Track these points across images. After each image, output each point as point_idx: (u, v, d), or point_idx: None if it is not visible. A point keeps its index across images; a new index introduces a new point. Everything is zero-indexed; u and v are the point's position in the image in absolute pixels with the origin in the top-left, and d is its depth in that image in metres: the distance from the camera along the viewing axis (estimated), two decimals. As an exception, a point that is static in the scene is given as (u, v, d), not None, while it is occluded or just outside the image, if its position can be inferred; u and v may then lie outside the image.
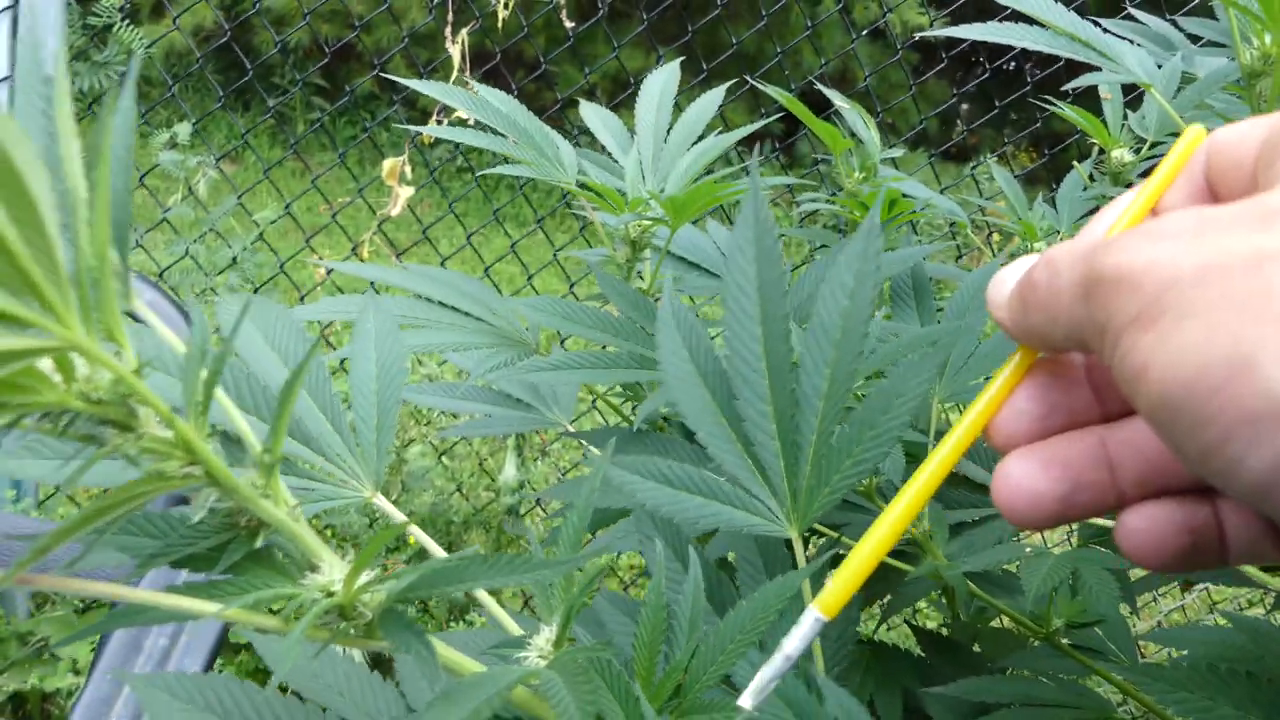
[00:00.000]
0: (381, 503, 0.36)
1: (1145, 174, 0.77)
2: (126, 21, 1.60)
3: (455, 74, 1.59)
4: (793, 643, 0.28)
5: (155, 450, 0.22)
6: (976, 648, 0.71)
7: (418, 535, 0.36)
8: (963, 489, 0.64)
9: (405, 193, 1.66)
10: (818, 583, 0.51)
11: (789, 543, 0.42)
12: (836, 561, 0.57)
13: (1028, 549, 0.53)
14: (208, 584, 0.24)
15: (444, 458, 2.06)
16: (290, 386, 0.24)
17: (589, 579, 0.30)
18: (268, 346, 0.38)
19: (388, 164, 1.66)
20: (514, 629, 0.34)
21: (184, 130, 1.99)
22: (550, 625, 0.30)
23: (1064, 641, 0.58)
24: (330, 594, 0.25)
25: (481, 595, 0.34)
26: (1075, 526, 0.66)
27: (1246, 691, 0.42)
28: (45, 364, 0.20)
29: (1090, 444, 0.28)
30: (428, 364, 1.99)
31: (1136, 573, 0.88)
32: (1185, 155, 0.29)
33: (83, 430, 0.21)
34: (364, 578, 0.26)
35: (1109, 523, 0.61)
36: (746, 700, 0.28)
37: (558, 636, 0.29)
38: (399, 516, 0.36)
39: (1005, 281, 0.29)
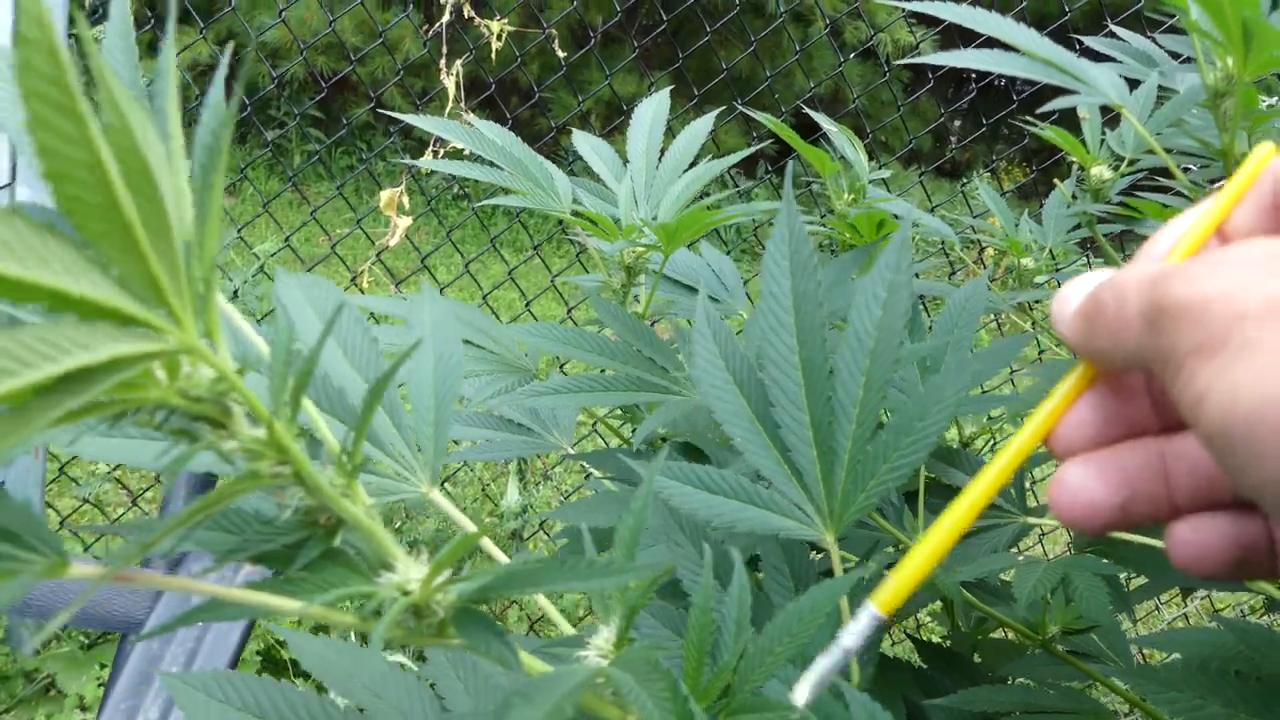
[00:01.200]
0: (438, 499, 0.36)
1: (1126, 191, 0.79)
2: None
3: (451, 104, 1.62)
4: (850, 637, 0.29)
5: (251, 449, 0.22)
6: (977, 658, 0.72)
7: (488, 547, 0.36)
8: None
9: (403, 223, 1.68)
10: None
11: (817, 547, 0.43)
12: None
13: (1021, 557, 0.54)
14: (287, 580, 0.25)
15: (446, 484, 2.07)
16: (376, 393, 0.24)
17: (651, 581, 0.30)
18: (334, 344, 0.39)
19: (385, 195, 1.68)
20: (570, 632, 0.34)
21: (183, 166, 2.01)
22: (609, 626, 0.30)
23: (1060, 648, 0.59)
24: (406, 593, 0.26)
25: (542, 601, 0.35)
26: (1072, 534, 0.67)
27: (1236, 690, 0.43)
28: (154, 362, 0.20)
29: (1148, 455, 0.29)
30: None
31: (1137, 581, 0.88)
32: (1255, 173, 0.29)
33: (178, 425, 0.22)
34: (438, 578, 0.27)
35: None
36: (804, 688, 0.29)
37: (619, 636, 0.30)
38: (456, 513, 0.36)
39: (1069, 300, 0.29)
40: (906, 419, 0.41)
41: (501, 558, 0.34)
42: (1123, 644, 0.60)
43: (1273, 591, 0.63)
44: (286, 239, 1.89)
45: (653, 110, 0.71)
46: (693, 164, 0.70)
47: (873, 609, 0.29)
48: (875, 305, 0.43)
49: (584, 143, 0.73)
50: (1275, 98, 0.80)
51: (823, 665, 0.29)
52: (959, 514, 0.30)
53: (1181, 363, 0.24)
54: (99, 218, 0.16)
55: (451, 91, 1.63)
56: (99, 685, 1.60)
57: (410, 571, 0.26)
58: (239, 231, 1.88)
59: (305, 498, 0.24)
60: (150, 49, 4.04)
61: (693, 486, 0.43)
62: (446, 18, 1.54)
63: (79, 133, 0.15)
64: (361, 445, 0.24)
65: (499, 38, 1.65)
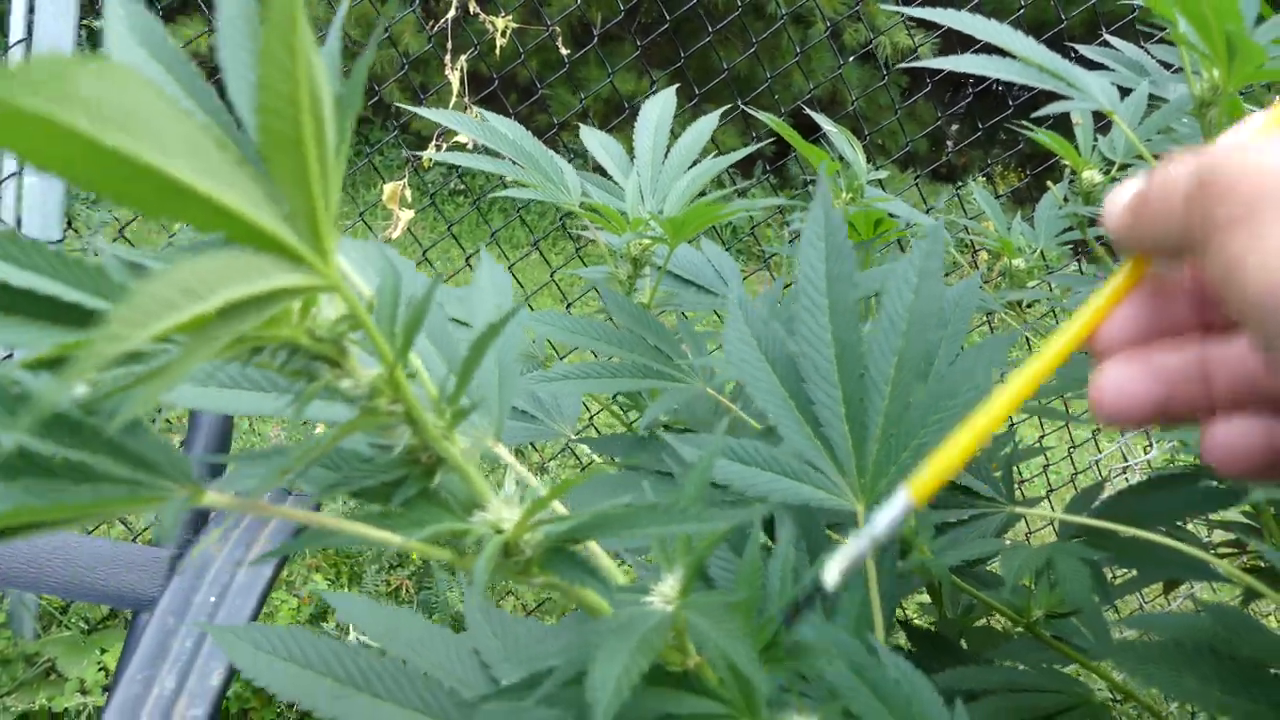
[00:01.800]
0: (501, 451, 0.38)
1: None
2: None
3: (455, 99, 1.64)
4: (881, 524, 0.29)
5: (371, 388, 0.24)
6: (963, 644, 0.74)
7: (559, 507, 0.37)
8: (945, 490, 0.67)
9: (406, 216, 1.70)
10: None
11: (830, 524, 0.44)
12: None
13: (1007, 542, 0.56)
14: (386, 514, 0.26)
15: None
16: (483, 343, 0.25)
17: (720, 535, 0.31)
18: (403, 308, 0.41)
19: (389, 188, 1.70)
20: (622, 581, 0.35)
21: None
22: (671, 574, 0.31)
23: (1045, 633, 0.62)
24: (499, 531, 0.27)
25: (593, 548, 0.36)
26: (1058, 524, 0.69)
27: (1211, 666, 0.45)
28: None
29: (1188, 356, 0.30)
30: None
31: (1121, 575, 0.91)
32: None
33: (297, 365, 0.23)
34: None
35: (1087, 520, 0.65)
36: (834, 570, 0.29)
37: (684, 584, 0.31)
38: (518, 465, 0.38)
39: (1118, 199, 0.30)
40: (937, 397, 0.43)
41: (564, 511, 0.35)
42: (1104, 629, 0.63)
43: (1253, 583, 0.65)
44: (289, 230, 1.90)
45: (659, 108, 0.73)
46: (696, 161, 0.72)
47: (907, 495, 0.29)
48: (907, 289, 0.45)
49: (592, 138, 0.75)
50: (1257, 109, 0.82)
51: (853, 549, 0.29)
52: (999, 405, 0.30)
53: (1216, 235, 0.25)
54: (287, 152, 0.17)
55: (456, 87, 1.65)
56: (100, 669, 1.61)
57: (503, 512, 0.27)
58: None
59: (410, 438, 0.25)
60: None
61: (727, 459, 0.45)
62: (452, 13, 1.56)
63: (292, 68, 0.16)
64: (463, 393, 0.25)
65: (504, 34, 1.67)
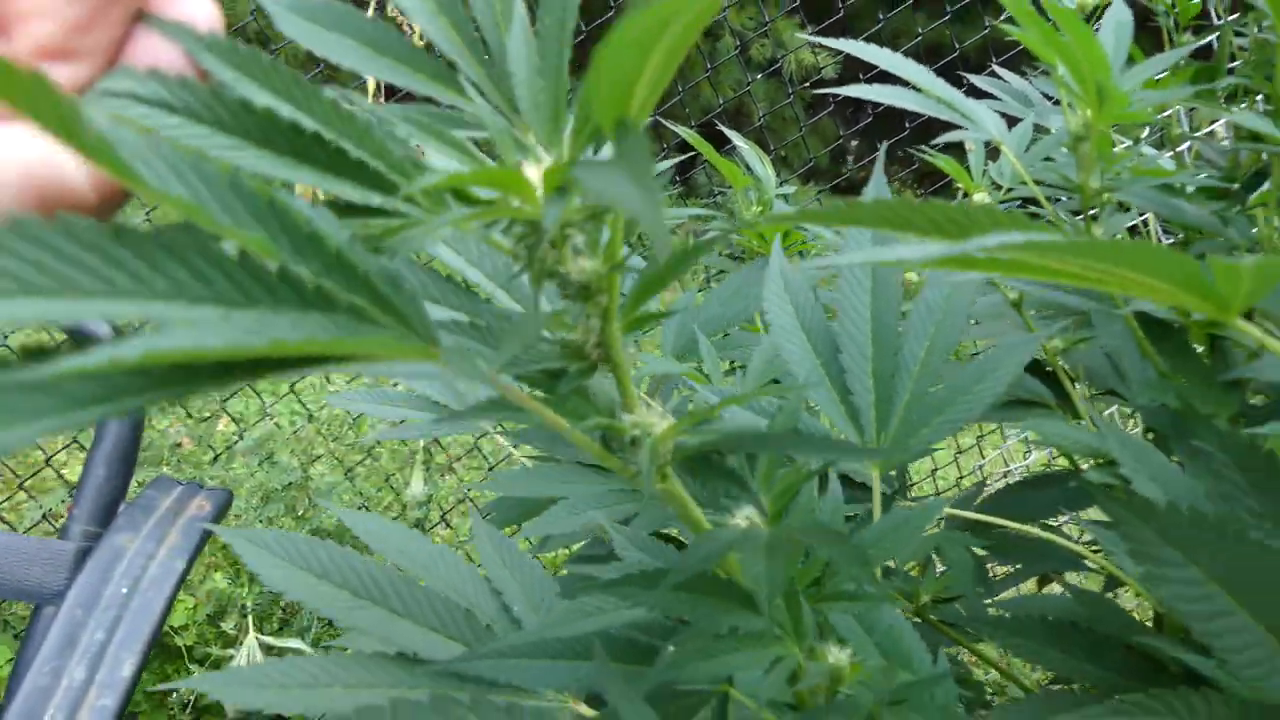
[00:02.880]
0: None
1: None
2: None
3: (370, 99, 1.63)
4: None
5: (590, 275, 0.25)
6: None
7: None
8: (845, 487, 0.72)
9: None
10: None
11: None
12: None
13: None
14: (551, 401, 0.27)
15: (349, 476, 2.06)
16: (663, 275, 0.26)
17: (807, 472, 0.33)
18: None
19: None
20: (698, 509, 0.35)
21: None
22: (747, 505, 0.33)
23: (932, 617, 0.67)
24: (650, 433, 0.28)
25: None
26: (944, 520, 0.75)
27: (1071, 639, 0.51)
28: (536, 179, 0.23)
29: None
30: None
31: (1001, 571, 0.98)
32: None
33: (524, 247, 0.25)
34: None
35: (972, 514, 0.71)
36: None
37: (775, 509, 0.32)
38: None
39: None
40: (965, 380, 0.47)
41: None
42: (982, 609, 0.69)
43: (1115, 570, 0.72)
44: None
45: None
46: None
47: None
48: (945, 283, 0.50)
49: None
50: (1129, 140, 0.91)
51: None
52: None
53: None
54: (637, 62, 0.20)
55: (371, 86, 1.64)
56: (6, 662, 1.54)
57: (651, 416, 0.29)
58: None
59: (594, 334, 0.27)
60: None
61: (753, 414, 0.48)
62: (370, 12, 1.55)
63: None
64: (647, 299, 0.27)
65: (421, 36, 1.67)
